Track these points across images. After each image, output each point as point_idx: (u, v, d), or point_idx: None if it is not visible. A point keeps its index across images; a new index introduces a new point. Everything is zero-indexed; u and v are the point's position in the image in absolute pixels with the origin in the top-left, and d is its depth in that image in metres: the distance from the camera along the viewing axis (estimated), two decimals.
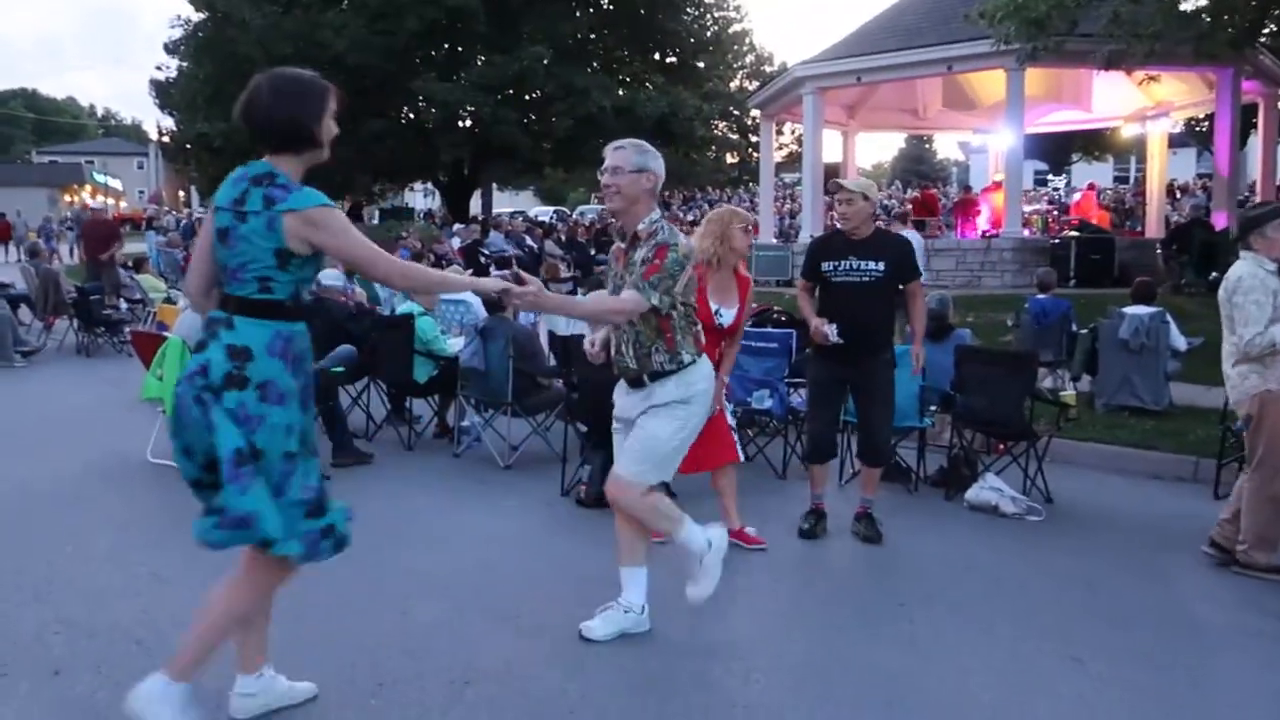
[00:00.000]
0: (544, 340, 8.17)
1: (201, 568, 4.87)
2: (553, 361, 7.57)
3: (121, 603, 4.38)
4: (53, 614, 4.26)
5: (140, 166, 69.62)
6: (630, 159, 3.87)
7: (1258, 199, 19.97)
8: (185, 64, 30.27)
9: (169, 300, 12.94)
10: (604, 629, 4.01)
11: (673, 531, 4.06)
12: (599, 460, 5.91)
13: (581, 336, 5.72)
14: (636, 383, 4.00)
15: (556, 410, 7.24)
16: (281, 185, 2.97)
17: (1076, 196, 26.08)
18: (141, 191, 64.65)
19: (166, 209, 41.79)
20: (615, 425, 4.18)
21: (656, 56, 30.89)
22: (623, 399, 4.12)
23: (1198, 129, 24.31)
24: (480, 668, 3.81)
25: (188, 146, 30.41)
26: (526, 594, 4.66)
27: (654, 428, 3.93)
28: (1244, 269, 5.10)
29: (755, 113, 26.01)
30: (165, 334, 7.54)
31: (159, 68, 35.55)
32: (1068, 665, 3.99)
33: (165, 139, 32.86)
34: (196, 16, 29.16)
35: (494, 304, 7.32)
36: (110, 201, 52.74)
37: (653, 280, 3.80)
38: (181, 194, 55.81)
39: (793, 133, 30.96)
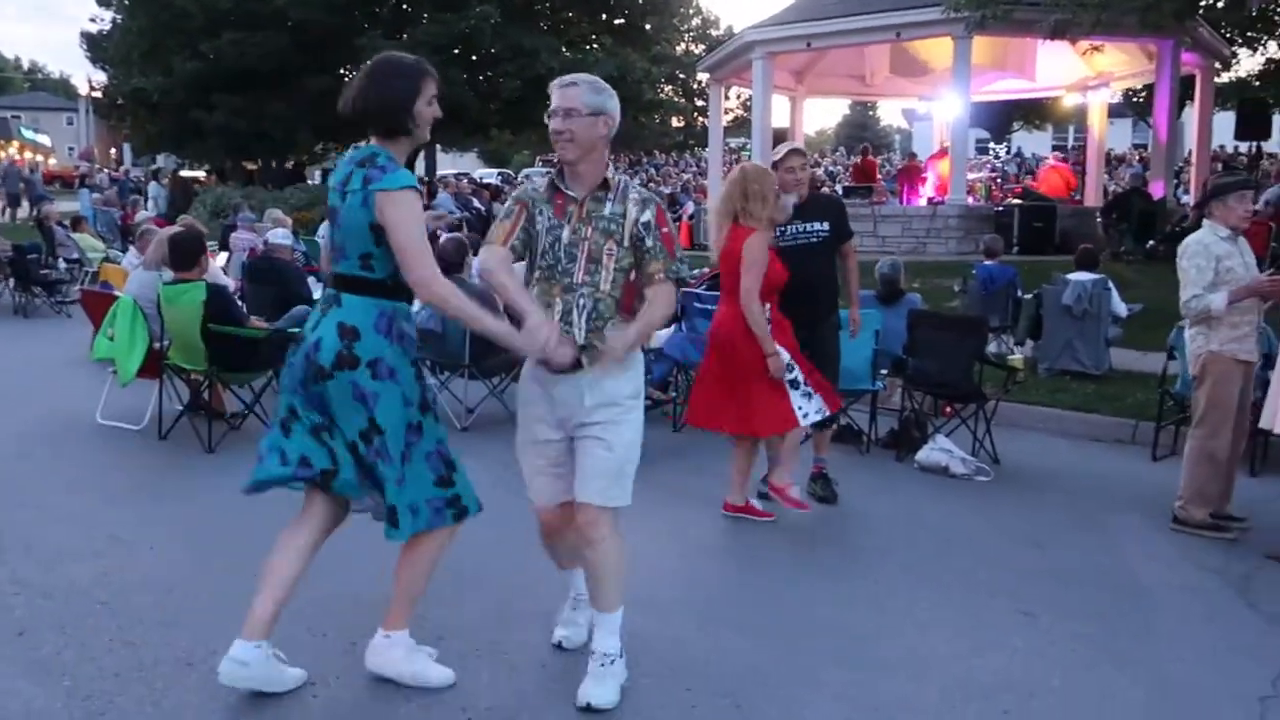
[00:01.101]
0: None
1: (158, 528, 4.86)
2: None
3: (81, 564, 4.34)
4: (9, 575, 4.22)
5: (70, 122, 67.51)
6: (585, 99, 3.22)
7: (1193, 169, 20.42)
8: (119, 16, 29.39)
9: (108, 259, 12.67)
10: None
11: (610, 607, 3.38)
12: None
13: None
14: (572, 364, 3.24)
15: (513, 372, 7.23)
16: (380, 166, 3.08)
17: (1012, 167, 26.35)
18: (71, 148, 62.82)
19: (98, 166, 40.65)
20: (538, 434, 3.39)
21: (604, 18, 30.60)
22: (559, 393, 3.30)
23: (1135, 99, 24.71)
24: (450, 625, 3.85)
25: (120, 102, 29.63)
26: (489, 554, 4.69)
27: (622, 436, 3.29)
28: (1196, 235, 5.27)
29: (702, 77, 25.96)
30: (116, 293, 7.40)
31: (92, 19, 34.49)
32: (1019, 619, 4.13)
33: (97, 94, 31.95)
34: None
35: (451, 265, 7.28)
36: (39, 158, 51.22)
37: (679, 255, 3.37)
38: (114, 151, 54.26)
39: (739, 98, 30.93)
